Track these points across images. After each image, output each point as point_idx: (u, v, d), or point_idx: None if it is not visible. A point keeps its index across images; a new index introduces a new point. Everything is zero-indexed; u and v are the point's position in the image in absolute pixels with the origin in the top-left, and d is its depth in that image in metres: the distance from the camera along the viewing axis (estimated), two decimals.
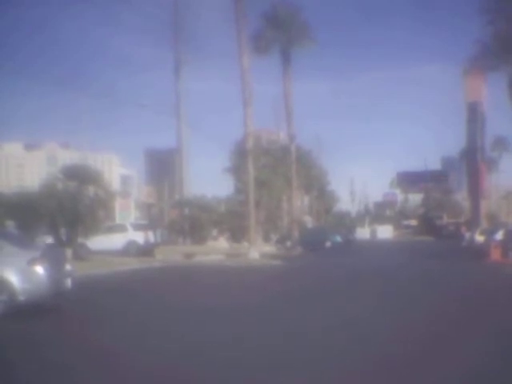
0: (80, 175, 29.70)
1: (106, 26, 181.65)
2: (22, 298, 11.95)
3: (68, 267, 13.76)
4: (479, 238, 37.58)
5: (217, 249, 41.42)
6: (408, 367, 7.77)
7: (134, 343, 9.66)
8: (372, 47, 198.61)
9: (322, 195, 76.26)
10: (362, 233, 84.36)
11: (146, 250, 34.61)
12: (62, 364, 8.18)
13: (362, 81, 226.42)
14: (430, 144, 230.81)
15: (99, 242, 31.12)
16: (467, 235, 45.03)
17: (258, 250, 35.59)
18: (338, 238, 52.82)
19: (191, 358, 8.43)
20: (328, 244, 47.66)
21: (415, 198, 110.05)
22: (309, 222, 67.62)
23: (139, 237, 35.83)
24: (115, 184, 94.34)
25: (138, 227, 37.52)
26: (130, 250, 34.38)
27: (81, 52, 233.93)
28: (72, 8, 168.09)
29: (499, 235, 31.93)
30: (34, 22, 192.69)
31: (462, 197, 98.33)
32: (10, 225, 27.11)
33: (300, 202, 63.41)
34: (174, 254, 34.97)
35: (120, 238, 34.44)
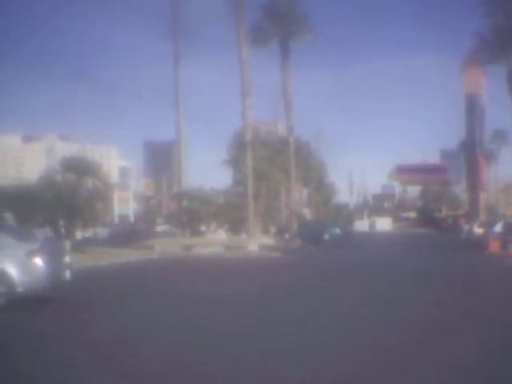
0: (79, 167, 29.71)
1: (107, 19, 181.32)
2: (20, 289, 11.96)
3: (67, 259, 13.76)
4: (478, 231, 37.56)
5: (215, 241, 41.38)
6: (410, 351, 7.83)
7: (131, 331, 9.75)
8: (370, 39, 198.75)
9: (320, 187, 76.19)
10: (361, 225, 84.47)
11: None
12: (60, 354, 8.20)
13: (360, 72, 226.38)
14: (429, 136, 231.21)
15: None
16: (466, 227, 44.99)
17: (256, 242, 35.59)
18: (337, 231, 52.80)
19: (185, 346, 8.49)
20: (326, 236, 47.70)
21: (414, 191, 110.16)
22: (307, 214, 67.56)
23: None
24: (114, 176, 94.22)
25: None
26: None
27: (82, 45, 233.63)
28: (74, 2, 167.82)
29: (498, 227, 31.94)
30: (35, 16, 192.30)
31: (460, 189, 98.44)
32: (9, 217, 27.10)
33: (299, 194, 63.36)
34: (172, 246, 34.98)
35: None
